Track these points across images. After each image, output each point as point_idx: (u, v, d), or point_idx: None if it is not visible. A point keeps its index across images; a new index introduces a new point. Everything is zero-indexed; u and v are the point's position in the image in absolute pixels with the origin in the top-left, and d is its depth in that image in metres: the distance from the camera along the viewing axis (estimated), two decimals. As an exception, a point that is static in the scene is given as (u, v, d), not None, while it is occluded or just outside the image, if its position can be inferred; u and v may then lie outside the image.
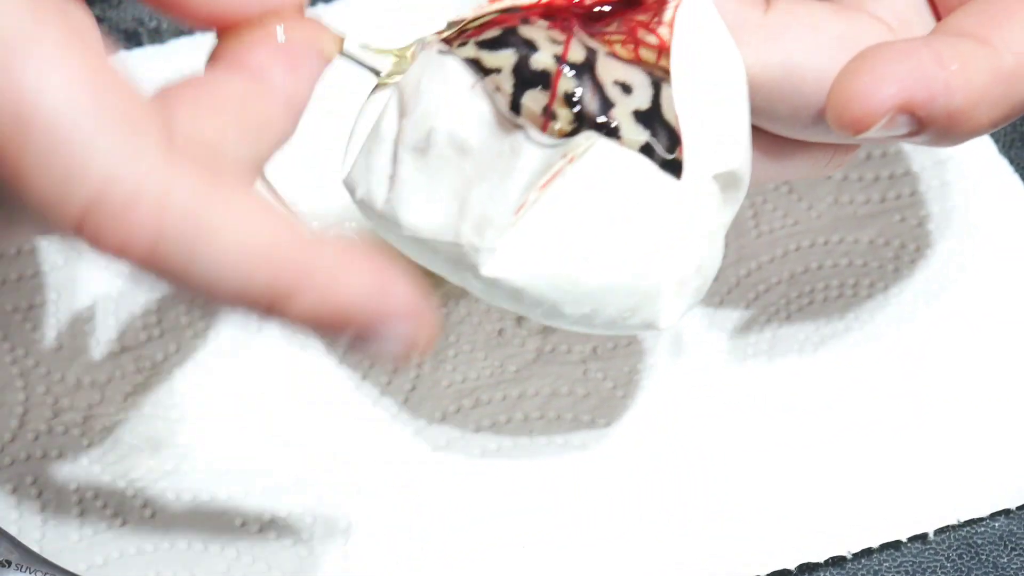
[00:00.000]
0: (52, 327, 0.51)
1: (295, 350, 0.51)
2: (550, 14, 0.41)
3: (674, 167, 0.40)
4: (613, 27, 0.42)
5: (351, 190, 0.43)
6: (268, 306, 0.35)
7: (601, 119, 0.40)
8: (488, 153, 0.40)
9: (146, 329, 0.51)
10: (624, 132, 0.40)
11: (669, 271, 0.41)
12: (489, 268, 0.40)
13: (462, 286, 0.42)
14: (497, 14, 0.42)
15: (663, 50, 0.41)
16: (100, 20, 0.56)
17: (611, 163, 0.40)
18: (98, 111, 0.34)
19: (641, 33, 0.41)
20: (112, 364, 0.50)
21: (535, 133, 0.40)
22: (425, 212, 0.41)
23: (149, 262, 0.34)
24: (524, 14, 0.41)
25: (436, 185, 0.41)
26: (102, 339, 0.51)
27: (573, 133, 0.40)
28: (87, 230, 0.34)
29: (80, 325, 0.51)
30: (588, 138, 0.40)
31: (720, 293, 0.52)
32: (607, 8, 0.42)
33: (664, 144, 0.40)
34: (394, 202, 0.41)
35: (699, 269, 0.42)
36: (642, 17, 0.42)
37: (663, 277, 0.41)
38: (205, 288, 0.35)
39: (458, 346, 0.51)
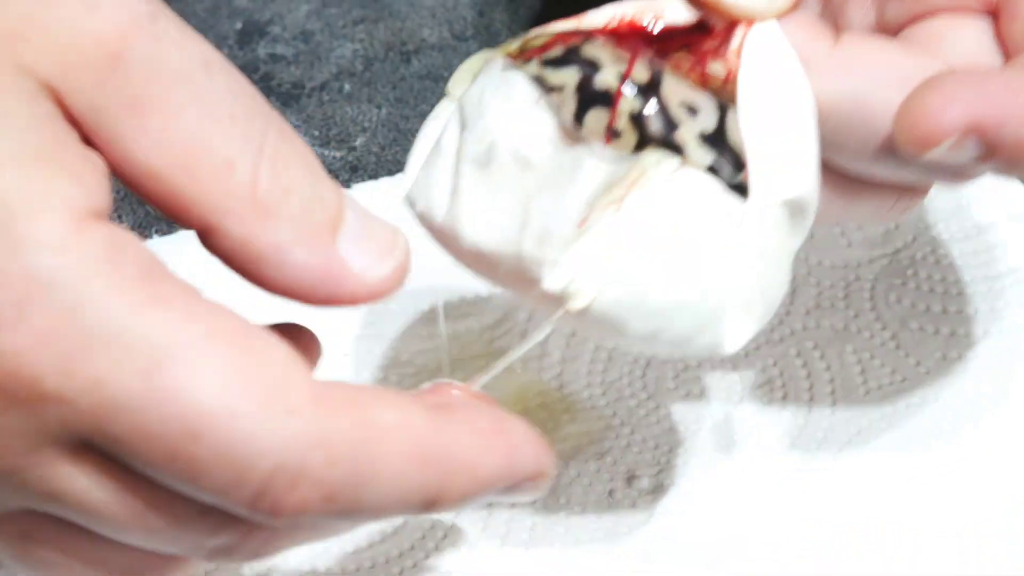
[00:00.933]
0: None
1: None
2: (615, 37, 0.41)
3: (740, 190, 0.40)
4: (680, 53, 0.42)
5: (411, 204, 0.43)
6: (421, 508, 0.37)
7: (666, 139, 0.40)
8: (550, 167, 0.40)
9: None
10: (689, 153, 0.40)
11: (734, 293, 0.41)
12: (551, 282, 0.40)
13: (524, 301, 0.42)
14: (561, 34, 0.42)
15: (730, 77, 0.41)
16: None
17: (677, 181, 0.40)
18: (254, 397, 0.34)
19: (709, 59, 0.41)
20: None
21: (599, 148, 0.40)
22: (486, 225, 0.41)
23: (324, 512, 0.35)
24: (588, 35, 0.41)
25: (497, 198, 0.41)
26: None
27: (637, 151, 0.40)
28: (263, 507, 0.35)
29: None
30: (655, 155, 0.40)
31: (831, 451, 0.52)
32: (673, 34, 0.42)
33: (730, 167, 0.40)
34: (455, 215, 0.41)
35: (763, 294, 0.41)
36: (710, 44, 0.42)
37: (728, 299, 0.41)
38: (371, 512, 0.36)
39: (569, 508, 0.51)
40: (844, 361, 0.54)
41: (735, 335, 0.41)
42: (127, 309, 0.34)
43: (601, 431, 0.52)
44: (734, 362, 0.54)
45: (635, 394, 0.53)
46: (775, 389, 0.53)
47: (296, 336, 0.39)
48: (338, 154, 0.58)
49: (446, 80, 0.60)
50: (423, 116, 0.59)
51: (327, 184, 0.37)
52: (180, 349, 0.34)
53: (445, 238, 0.42)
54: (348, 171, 0.58)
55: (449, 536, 0.51)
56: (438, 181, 0.42)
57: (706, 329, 0.41)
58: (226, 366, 0.34)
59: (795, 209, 0.42)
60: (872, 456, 0.52)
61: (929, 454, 0.52)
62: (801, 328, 0.55)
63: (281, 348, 0.35)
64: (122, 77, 0.35)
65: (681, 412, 0.53)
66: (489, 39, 0.61)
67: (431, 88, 0.60)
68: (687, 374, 0.54)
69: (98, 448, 0.35)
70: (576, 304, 0.40)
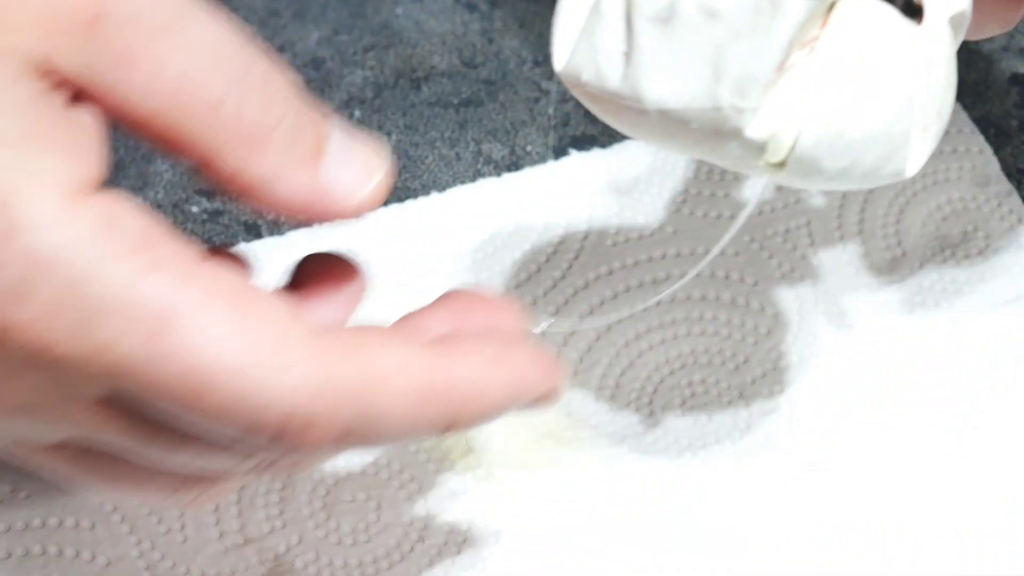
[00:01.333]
0: (176, 520, 0.51)
1: (417, 538, 0.51)
2: None
3: (914, 13, 0.41)
4: None
5: (573, 76, 0.42)
6: (439, 433, 0.39)
7: None
8: (744, 14, 0.40)
9: (268, 521, 0.51)
10: None
11: (917, 116, 0.41)
12: (755, 128, 0.40)
13: (711, 156, 0.42)
14: None
15: None
16: (220, 213, 0.58)
17: (860, 12, 0.40)
18: (255, 351, 0.36)
19: None
20: (236, 556, 0.51)
21: None
22: (674, 82, 0.40)
23: (342, 445, 0.38)
24: None
25: (684, 53, 0.40)
26: (226, 531, 0.51)
27: None
28: (283, 446, 0.37)
29: (204, 517, 0.51)
30: None
31: (832, 451, 0.52)
32: None
33: None
34: (635, 77, 0.41)
35: (939, 113, 0.42)
36: None
37: (913, 123, 0.41)
38: (388, 442, 0.39)
39: (576, 526, 0.52)
40: (849, 377, 0.54)
41: (916, 158, 0.42)
42: (126, 277, 0.36)
43: (609, 459, 0.53)
44: (741, 389, 0.54)
45: (643, 420, 0.54)
46: (781, 417, 0.53)
47: (337, 267, 0.41)
48: (348, 180, 0.59)
49: (455, 107, 0.60)
50: (433, 143, 0.60)
51: (311, 111, 0.39)
52: (181, 311, 0.36)
53: (622, 105, 0.41)
54: (358, 197, 0.58)
55: (464, 543, 0.51)
56: (606, 46, 0.41)
57: (894, 156, 0.41)
58: (227, 324, 0.36)
59: (957, 24, 0.42)
60: (872, 456, 0.52)
61: (929, 454, 0.52)
62: (810, 355, 0.55)
63: (279, 303, 0.37)
64: (105, 36, 0.37)
65: (689, 438, 0.53)
66: (499, 66, 0.62)
67: (440, 115, 0.60)
68: (694, 400, 0.54)
69: (123, 399, 0.37)
70: (780, 149, 0.40)
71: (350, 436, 0.38)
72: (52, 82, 0.37)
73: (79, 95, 0.37)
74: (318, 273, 0.41)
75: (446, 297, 0.43)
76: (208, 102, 0.38)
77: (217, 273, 0.37)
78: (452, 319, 0.42)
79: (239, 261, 0.40)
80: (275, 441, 0.37)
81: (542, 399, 0.41)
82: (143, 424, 0.38)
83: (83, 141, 0.37)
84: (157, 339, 0.36)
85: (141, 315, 0.36)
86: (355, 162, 0.40)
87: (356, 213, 0.40)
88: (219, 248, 0.41)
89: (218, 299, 0.36)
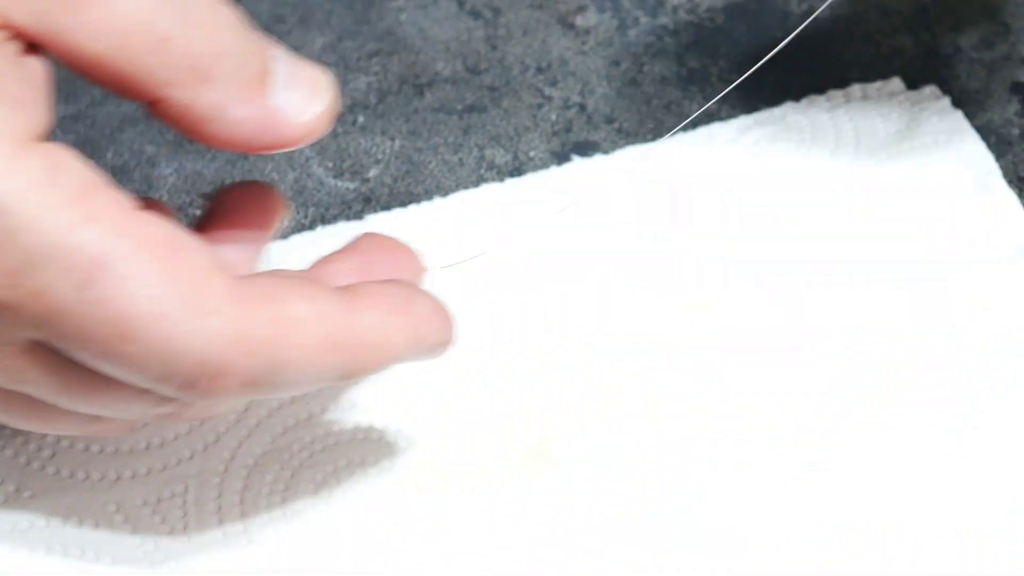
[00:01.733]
0: (180, 520, 0.52)
1: (419, 538, 0.52)
2: None
3: None
4: None
5: None
6: (340, 381, 0.42)
7: None
8: None
9: (272, 522, 0.52)
10: None
11: None
12: None
13: None
14: None
15: None
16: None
17: None
18: (177, 301, 0.38)
19: None
20: (239, 556, 0.51)
21: None
22: None
23: (247, 393, 0.40)
24: None
25: None
26: (229, 532, 0.51)
27: None
28: (192, 393, 0.40)
29: (207, 517, 0.52)
30: None
31: (832, 451, 0.52)
32: None
33: None
34: None
35: None
36: None
37: None
38: (291, 390, 0.41)
39: (571, 519, 0.52)
40: (849, 377, 0.55)
41: None
42: (63, 228, 0.38)
43: (609, 460, 0.53)
44: (741, 392, 0.54)
45: (643, 424, 0.54)
46: (781, 417, 0.54)
47: (257, 196, 0.44)
48: (351, 185, 0.59)
49: (459, 113, 0.61)
50: (436, 148, 0.60)
51: (253, 40, 0.41)
52: (111, 262, 0.38)
53: None
54: (361, 202, 0.59)
55: (464, 544, 0.51)
56: None
57: None
58: (152, 275, 0.38)
59: None
60: (872, 456, 0.53)
61: (929, 454, 0.53)
62: (811, 357, 0.55)
63: (204, 253, 0.39)
64: None
65: (689, 439, 0.53)
66: (502, 72, 0.62)
67: (444, 121, 0.61)
68: (693, 402, 0.54)
69: (47, 346, 0.39)
70: None
71: (257, 384, 0.40)
72: (7, 35, 0.38)
73: (31, 46, 0.39)
74: (235, 205, 0.44)
75: (358, 241, 0.46)
76: (156, 39, 0.39)
77: (149, 222, 0.39)
78: (361, 264, 0.44)
79: (171, 211, 0.42)
80: (187, 388, 0.39)
81: (437, 348, 0.43)
82: (66, 370, 0.40)
83: (32, 91, 0.39)
84: (88, 287, 0.38)
85: (75, 264, 0.38)
86: (301, 86, 0.41)
87: (303, 136, 0.41)
88: (153, 200, 0.42)
89: (147, 249, 0.38)
